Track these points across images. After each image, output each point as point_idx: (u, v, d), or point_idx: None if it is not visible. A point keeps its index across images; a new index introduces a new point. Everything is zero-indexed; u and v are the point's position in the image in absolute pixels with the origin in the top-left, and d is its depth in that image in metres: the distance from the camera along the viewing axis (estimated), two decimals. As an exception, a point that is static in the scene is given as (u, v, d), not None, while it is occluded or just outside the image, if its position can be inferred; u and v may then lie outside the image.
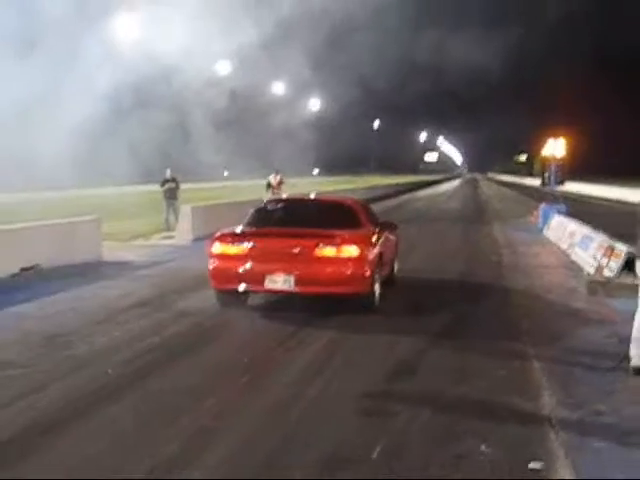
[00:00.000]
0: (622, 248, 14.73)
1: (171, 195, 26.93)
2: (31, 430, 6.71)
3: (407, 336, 10.38)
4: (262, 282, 11.56)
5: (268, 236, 12.06)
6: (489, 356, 9.45)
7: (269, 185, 34.56)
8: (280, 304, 12.56)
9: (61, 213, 22.49)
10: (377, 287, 12.18)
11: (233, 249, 11.86)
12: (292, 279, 11.42)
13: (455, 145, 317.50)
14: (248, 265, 11.66)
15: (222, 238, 12.03)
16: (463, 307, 12.80)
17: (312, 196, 15.39)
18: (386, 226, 14.08)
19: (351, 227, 12.28)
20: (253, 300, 12.58)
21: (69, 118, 27.03)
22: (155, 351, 9.60)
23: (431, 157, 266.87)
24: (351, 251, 11.51)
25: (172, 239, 23.37)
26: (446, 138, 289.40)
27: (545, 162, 31.50)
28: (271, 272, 11.50)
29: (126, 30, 32.87)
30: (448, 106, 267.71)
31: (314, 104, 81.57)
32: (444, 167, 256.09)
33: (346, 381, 8.37)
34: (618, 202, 45.45)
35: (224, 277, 11.93)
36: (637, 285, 9.17)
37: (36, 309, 12.18)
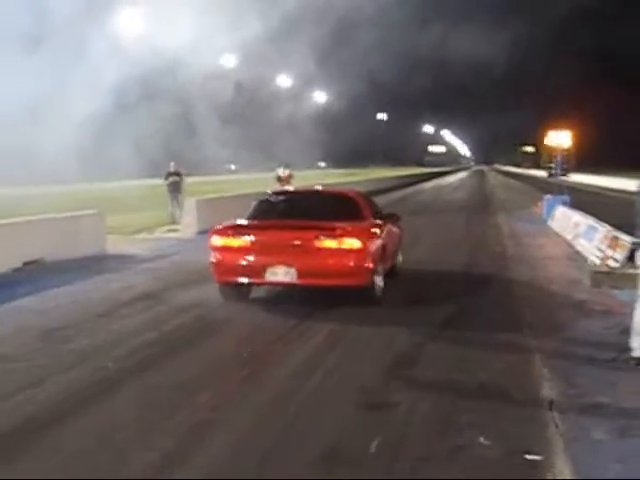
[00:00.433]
0: (627, 239, 14.68)
1: (175, 188, 26.93)
2: (29, 424, 6.69)
3: (409, 328, 10.34)
4: (263, 275, 11.54)
5: (269, 228, 12.03)
6: (491, 347, 9.42)
7: (279, 178, 34.64)
8: (282, 297, 12.55)
9: (65, 207, 22.44)
10: (379, 279, 12.13)
11: (234, 242, 11.82)
12: (293, 271, 11.39)
13: (461, 137, 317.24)
14: (249, 258, 11.64)
15: (223, 231, 12.00)
16: (466, 298, 12.76)
17: (315, 188, 15.34)
18: (389, 218, 14.04)
19: (353, 219, 12.23)
20: (256, 293, 12.56)
21: (74, 112, 27.06)
22: (156, 344, 9.58)
23: (437, 149, 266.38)
24: (353, 243, 11.46)
25: (176, 232, 23.37)
26: (452, 130, 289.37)
27: (551, 153, 31.40)
28: (272, 264, 11.47)
29: (130, 24, 32.89)
30: (454, 98, 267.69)
31: (320, 97, 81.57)
32: (450, 159, 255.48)
33: (346, 373, 8.35)
34: (624, 193, 45.24)
35: (226, 270, 11.91)
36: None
37: (37, 303, 12.18)
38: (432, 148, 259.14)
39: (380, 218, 13.32)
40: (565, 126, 31.79)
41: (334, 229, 11.53)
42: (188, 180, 28.65)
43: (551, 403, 7.25)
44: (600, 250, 16.46)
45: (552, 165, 31.27)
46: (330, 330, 10.29)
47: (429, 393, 7.67)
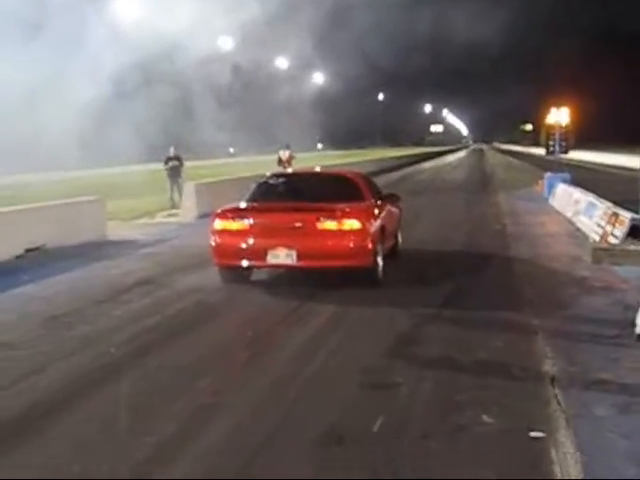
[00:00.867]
0: (626, 215, 14.68)
1: (175, 173, 26.91)
2: (32, 410, 6.71)
3: (409, 308, 10.35)
4: (264, 257, 11.54)
5: (269, 211, 12.03)
6: (492, 326, 9.43)
7: (280, 160, 34.79)
8: (283, 279, 12.55)
9: (66, 193, 22.43)
10: (380, 260, 12.13)
11: (235, 225, 11.83)
12: (294, 253, 11.39)
13: (460, 116, 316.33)
14: (250, 241, 11.64)
15: (223, 214, 12.00)
16: (467, 278, 12.79)
17: (315, 170, 15.31)
18: (389, 198, 14.04)
19: (353, 200, 12.23)
20: (256, 276, 12.57)
21: (72, 98, 27.01)
22: (158, 329, 9.59)
23: (437, 129, 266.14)
24: (353, 224, 11.46)
25: (177, 217, 23.36)
26: (451, 110, 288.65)
27: (550, 131, 31.37)
28: (273, 247, 11.48)
29: (128, 8, 32.77)
30: (452, 78, 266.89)
31: (318, 78, 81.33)
32: (450, 139, 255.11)
33: (348, 354, 8.37)
34: (624, 169, 45.20)
35: (226, 253, 11.92)
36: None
37: (39, 290, 12.18)
38: (433, 128, 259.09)
39: (380, 198, 13.31)
40: (565, 103, 31.78)
41: (334, 210, 11.52)
42: (186, 164, 28.59)
43: (553, 380, 7.26)
44: (600, 227, 16.47)
45: (551, 143, 31.24)
46: (332, 311, 10.30)
47: (431, 372, 7.68)
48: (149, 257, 15.54)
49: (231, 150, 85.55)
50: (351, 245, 11.42)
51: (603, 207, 17.28)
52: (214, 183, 26.93)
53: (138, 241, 18.02)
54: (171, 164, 27.10)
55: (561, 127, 30.76)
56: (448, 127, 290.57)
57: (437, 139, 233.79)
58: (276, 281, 12.57)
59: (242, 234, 11.74)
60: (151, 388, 7.30)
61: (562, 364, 7.78)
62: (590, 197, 19.88)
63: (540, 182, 31.70)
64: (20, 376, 7.65)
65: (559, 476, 5.28)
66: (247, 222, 11.76)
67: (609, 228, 15.57)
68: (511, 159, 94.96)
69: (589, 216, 18.46)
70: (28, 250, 15.41)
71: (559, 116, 30.81)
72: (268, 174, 14.08)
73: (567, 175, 28.50)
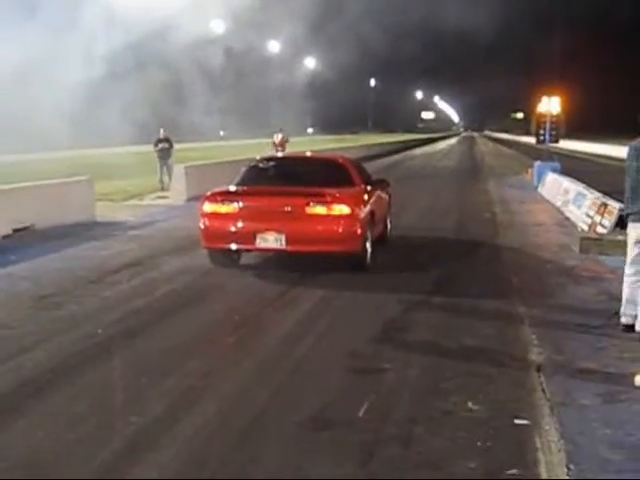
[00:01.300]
0: (615, 205, 14.73)
1: (164, 155, 26.85)
2: (20, 389, 6.72)
3: (398, 294, 10.39)
4: (253, 241, 11.55)
5: (259, 195, 12.03)
6: (479, 314, 9.47)
7: (274, 144, 35.09)
8: (272, 263, 12.56)
9: (55, 173, 22.36)
10: (369, 245, 12.15)
11: (224, 208, 11.82)
12: (283, 238, 11.40)
13: (451, 104, 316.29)
14: (239, 224, 11.64)
15: (212, 197, 11.99)
16: (455, 265, 12.83)
17: (305, 154, 15.31)
18: (378, 184, 14.06)
19: (343, 185, 12.24)
20: (245, 259, 12.57)
21: (64, 78, 26.93)
22: (145, 311, 9.59)
23: (429, 116, 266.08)
24: (342, 209, 11.48)
25: (166, 199, 23.32)
26: (442, 97, 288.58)
27: (540, 120, 31.40)
28: (262, 231, 11.48)
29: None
30: (444, 64, 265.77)
31: (309, 63, 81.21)
32: (441, 125, 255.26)
33: (335, 340, 8.39)
34: (614, 159, 45.29)
35: (215, 236, 11.91)
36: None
37: (27, 270, 12.17)
38: (424, 115, 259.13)
39: (369, 184, 13.31)
40: (555, 92, 31.78)
41: (324, 195, 11.53)
42: (176, 147, 28.51)
43: (539, 368, 7.31)
44: (589, 216, 16.52)
45: (541, 132, 31.28)
46: (319, 296, 10.32)
47: (418, 358, 7.73)
48: (138, 239, 15.51)
49: (221, 133, 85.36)
50: (340, 230, 11.43)
51: (592, 197, 17.34)
52: (204, 166, 26.88)
53: (127, 222, 18.00)
54: (161, 146, 27.03)
55: (552, 116, 30.78)
56: (439, 114, 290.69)
57: (428, 126, 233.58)
58: (265, 265, 12.58)
59: (231, 217, 11.73)
60: (138, 369, 7.30)
61: (548, 352, 7.82)
62: (579, 187, 19.94)
63: (530, 170, 31.76)
64: (7, 355, 7.65)
65: (542, 461, 5.33)
66: (236, 205, 11.75)
67: (598, 218, 15.64)
68: (502, 147, 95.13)
69: (578, 206, 18.52)
70: (16, 230, 15.37)
71: (550, 105, 30.83)
72: (258, 157, 14.06)
73: (557, 164, 28.54)
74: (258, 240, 11.53)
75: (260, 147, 33.93)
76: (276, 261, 12.56)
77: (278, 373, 7.21)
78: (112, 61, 30.24)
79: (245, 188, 12.30)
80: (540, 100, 31.30)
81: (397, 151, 68.92)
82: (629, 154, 8.68)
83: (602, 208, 15.65)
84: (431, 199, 24.87)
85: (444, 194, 26.81)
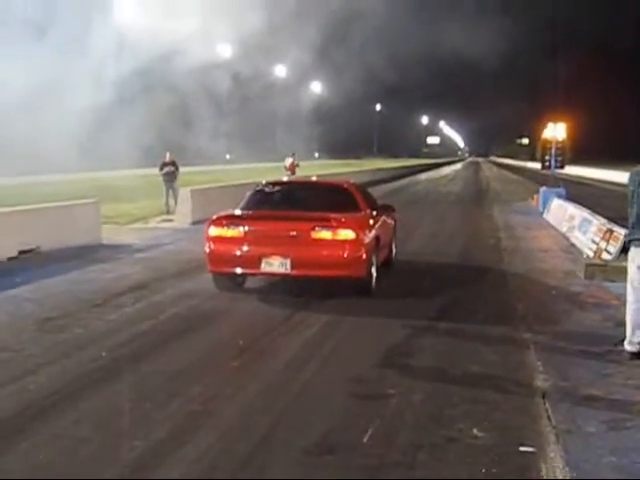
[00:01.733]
0: (621, 231, 14.70)
1: (170, 178, 26.90)
2: (25, 412, 6.70)
3: (402, 320, 10.37)
4: (258, 265, 11.54)
5: (264, 219, 12.05)
6: (484, 339, 9.44)
7: (286, 168, 35.85)
8: (277, 287, 12.55)
9: (62, 196, 22.42)
10: (374, 270, 12.16)
11: (229, 232, 11.83)
12: (288, 262, 11.40)
13: (457, 129, 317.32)
14: (244, 248, 11.65)
15: (218, 221, 12.00)
16: (460, 291, 12.81)
17: (310, 179, 15.34)
18: (384, 209, 14.08)
19: (348, 210, 12.24)
20: (250, 283, 12.57)
21: (73, 102, 27.07)
22: (150, 334, 9.59)
23: (434, 141, 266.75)
24: (347, 234, 11.48)
25: (172, 222, 23.35)
26: (448, 122, 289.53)
27: (546, 145, 31.45)
28: (267, 255, 11.48)
29: (128, 14, 32.79)
30: (449, 90, 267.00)
31: (315, 87, 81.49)
32: (447, 151, 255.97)
33: (340, 364, 8.38)
34: (620, 185, 45.31)
35: (221, 260, 11.92)
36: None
37: (33, 292, 12.17)
38: (430, 140, 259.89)
39: (374, 209, 13.33)
40: (561, 118, 31.84)
41: (329, 220, 11.54)
42: (182, 170, 28.59)
43: (544, 395, 7.28)
44: (594, 242, 16.50)
45: (546, 157, 31.31)
46: (325, 321, 10.31)
47: (423, 384, 7.70)
48: (143, 262, 15.53)
49: (227, 157, 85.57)
50: (345, 255, 11.43)
51: (598, 223, 17.32)
52: (209, 189, 26.95)
53: (133, 245, 18.01)
54: (166, 169, 27.09)
55: (557, 142, 30.82)
56: (445, 139, 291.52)
57: (433, 151, 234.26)
58: (269, 289, 12.57)
59: (236, 241, 11.74)
60: (143, 393, 7.29)
61: (553, 379, 7.79)
62: (585, 213, 19.92)
63: (535, 196, 31.79)
64: (11, 378, 7.64)
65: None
66: (242, 229, 11.77)
67: (603, 244, 15.61)
68: (507, 173, 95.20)
69: (583, 232, 18.50)
70: (21, 252, 15.39)
71: (555, 131, 30.88)
72: (264, 182, 14.09)
73: (562, 190, 28.55)
74: (263, 264, 11.53)
75: (266, 170, 33.99)
76: (281, 285, 12.55)
77: (282, 398, 7.20)
78: (120, 85, 30.39)
79: (250, 212, 12.32)
80: (545, 126, 31.35)
81: (402, 176, 68.96)
82: (631, 180, 8.70)
83: (608, 234, 15.63)
84: (436, 224, 24.87)
85: (449, 219, 26.82)
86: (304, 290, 12.00)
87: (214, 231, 11.95)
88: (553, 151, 30.80)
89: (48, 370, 7.96)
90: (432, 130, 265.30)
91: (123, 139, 32.67)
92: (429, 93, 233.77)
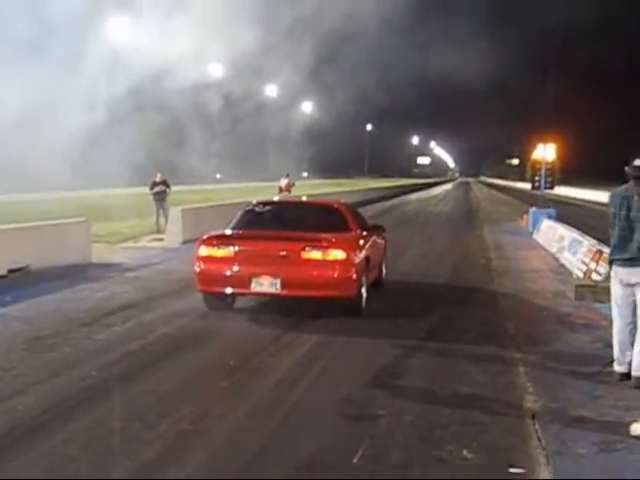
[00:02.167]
0: (610, 252, 14.72)
1: (161, 198, 26.89)
2: (12, 432, 6.67)
3: (392, 340, 10.38)
4: (248, 285, 11.53)
5: (255, 239, 12.05)
6: (474, 360, 9.43)
7: (280, 189, 36.24)
8: (267, 307, 12.53)
9: (53, 214, 22.38)
10: (364, 290, 12.16)
11: (219, 252, 11.82)
12: (278, 282, 11.39)
13: (447, 149, 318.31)
14: (234, 268, 11.63)
15: (208, 241, 12.00)
16: (450, 311, 12.81)
17: (301, 199, 15.36)
18: (374, 229, 14.09)
19: (338, 230, 12.28)
20: (240, 303, 12.55)
21: (64, 122, 27.09)
22: (139, 354, 9.55)
23: (424, 161, 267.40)
24: (338, 254, 11.48)
25: (162, 241, 23.29)
26: (438, 142, 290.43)
27: (536, 166, 31.58)
28: (257, 275, 11.48)
29: (120, 35, 32.90)
30: (440, 111, 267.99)
31: (306, 107, 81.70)
32: (437, 171, 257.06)
33: (329, 385, 8.37)
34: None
35: (211, 280, 11.89)
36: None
37: (22, 311, 12.11)
38: (420, 160, 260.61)
39: (365, 229, 13.35)
40: (550, 139, 32.01)
41: (319, 240, 11.55)
42: (172, 189, 28.60)
43: (534, 416, 7.28)
44: (584, 263, 16.54)
45: (536, 178, 31.43)
46: (315, 341, 10.30)
47: (412, 405, 7.68)
48: (133, 281, 15.48)
49: (218, 176, 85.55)
50: (335, 275, 11.43)
51: (587, 244, 17.37)
52: (200, 209, 26.94)
53: (123, 264, 17.95)
54: (157, 189, 27.08)
55: (547, 162, 30.96)
56: (435, 159, 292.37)
57: (424, 171, 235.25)
58: (260, 309, 12.55)
59: (227, 261, 11.73)
60: (132, 412, 7.26)
61: (543, 400, 7.80)
62: (574, 234, 19.98)
63: (525, 217, 31.90)
64: (1, 398, 7.60)
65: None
66: (232, 249, 11.76)
67: (593, 265, 15.65)
68: (497, 193, 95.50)
69: (573, 252, 18.54)
70: (11, 271, 15.33)
71: (545, 152, 31.02)
72: (254, 201, 14.10)
73: (552, 210, 28.67)
74: (253, 284, 11.52)
75: (257, 190, 34.05)
76: (271, 305, 12.53)
77: (272, 418, 7.18)
78: (112, 105, 30.43)
79: (241, 232, 12.33)
80: (535, 147, 31.50)
81: (393, 196, 69.16)
82: (613, 202, 8.75)
83: (597, 255, 15.67)
84: (426, 244, 24.91)
85: (439, 239, 26.89)
86: (294, 310, 11.99)
87: (204, 251, 11.94)
88: (543, 172, 30.95)
89: (37, 389, 7.93)
90: (423, 150, 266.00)
91: (115, 158, 32.65)
92: (420, 114, 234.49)
